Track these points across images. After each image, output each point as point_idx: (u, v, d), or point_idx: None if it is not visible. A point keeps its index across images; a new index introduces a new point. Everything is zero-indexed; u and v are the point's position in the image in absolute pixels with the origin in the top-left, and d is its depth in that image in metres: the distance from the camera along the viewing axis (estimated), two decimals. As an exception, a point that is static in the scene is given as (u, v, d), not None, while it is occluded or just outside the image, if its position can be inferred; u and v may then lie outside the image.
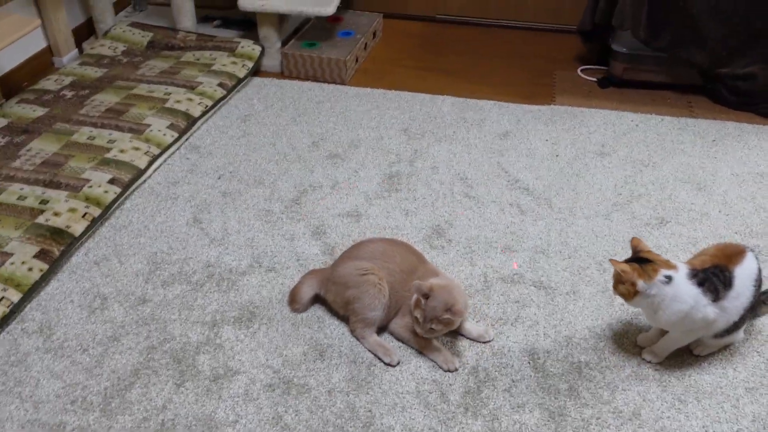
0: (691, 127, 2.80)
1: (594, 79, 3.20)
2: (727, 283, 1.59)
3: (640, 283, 1.57)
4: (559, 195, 2.39)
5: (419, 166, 2.55)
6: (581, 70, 3.28)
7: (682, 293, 1.57)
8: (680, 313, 1.58)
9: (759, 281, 1.66)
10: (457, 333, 1.84)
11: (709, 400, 1.66)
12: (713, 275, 1.59)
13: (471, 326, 1.84)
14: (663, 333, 1.74)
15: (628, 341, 1.82)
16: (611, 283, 1.67)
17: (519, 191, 2.41)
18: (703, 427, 1.59)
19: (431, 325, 1.70)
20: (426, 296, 1.70)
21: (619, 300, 1.89)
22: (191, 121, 2.73)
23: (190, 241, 2.19)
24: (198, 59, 3.13)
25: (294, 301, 1.94)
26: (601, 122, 2.83)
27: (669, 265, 1.59)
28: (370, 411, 1.65)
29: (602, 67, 3.23)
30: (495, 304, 1.94)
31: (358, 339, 1.83)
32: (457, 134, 2.76)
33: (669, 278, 1.56)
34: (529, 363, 1.76)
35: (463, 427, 1.60)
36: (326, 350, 1.81)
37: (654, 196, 2.38)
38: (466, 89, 3.12)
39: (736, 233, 2.20)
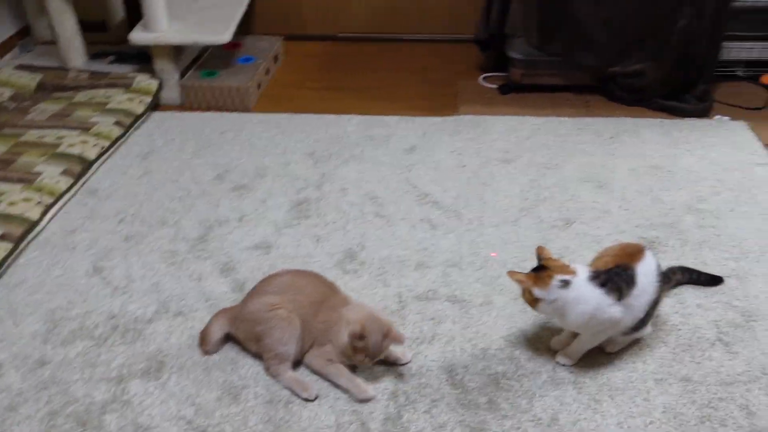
0: (590, 126, 2.89)
1: (495, 86, 3.25)
2: (631, 281, 1.63)
3: (537, 291, 1.59)
4: (467, 206, 2.41)
5: (328, 190, 2.52)
6: (482, 79, 3.34)
7: (585, 295, 1.59)
8: (585, 315, 1.60)
9: (660, 277, 1.70)
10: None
11: (621, 396, 1.69)
12: (616, 275, 1.63)
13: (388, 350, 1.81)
14: (575, 335, 1.77)
15: (543, 346, 1.84)
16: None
17: (428, 206, 2.42)
18: (618, 423, 1.62)
19: (378, 358, 1.69)
20: (362, 337, 1.66)
21: (530, 306, 1.92)
22: (87, 164, 2.62)
23: (91, 293, 2.08)
24: (92, 99, 3.01)
25: (204, 343, 1.87)
26: (504, 129, 2.88)
27: (566, 270, 1.61)
28: (289, 451, 1.60)
29: (502, 74, 3.30)
30: (411, 324, 1.93)
31: (273, 377, 1.78)
32: (364, 153, 2.75)
33: (565, 282, 1.58)
34: (447, 380, 1.75)
35: (385, 456, 1.58)
36: (241, 393, 1.75)
37: (558, 198, 2.44)
38: (371, 106, 3.12)
39: (636, 227, 2.27)
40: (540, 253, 1.68)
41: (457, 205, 2.42)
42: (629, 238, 2.22)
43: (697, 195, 2.42)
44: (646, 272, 1.65)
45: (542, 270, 1.62)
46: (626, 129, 2.86)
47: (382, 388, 1.74)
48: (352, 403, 1.70)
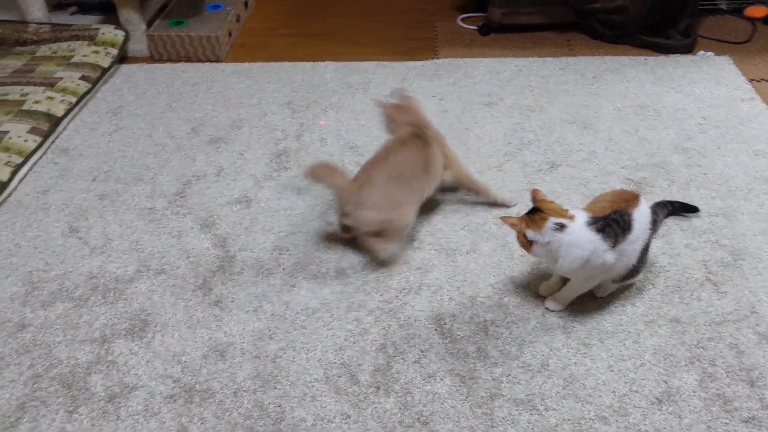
0: (572, 65, 2.82)
1: (474, 27, 3.16)
2: (627, 227, 1.60)
3: (530, 233, 1.57)
4: (451, 152, 2.36)
5: (307, 140, 2.46)
6: (461, 19, 3.24)
7: (581, 240, 1.56)
8: (580, 260, 1.58)
9: (652, 224, 1.68)
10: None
11: (611, 339, 1.68)
12: (614, 221, 1.59)
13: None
14: (564, 281, 1.75)
15: (531, 293, 1.82)
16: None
17: (411, 153, 2.36)
18: (609, 367, 1.62)
19: None
20: None
21: (520, 252, 1.90)
22: (55, 121, 2.51)
23: (68, 254, 2.02)
24: (55, 52, 2.88)
25: (320, 173, 1.89)
26: (486, 71, 2.81)
27: (562, 213, 1.58)
28: (279, 406, 1.58)
29: (482, 14, 3.20)
30: (397, 274, 1.90)
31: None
32: (343, 101, 2.67)
33: (560, 225, 1.55)
34: (436, 330, 1.74)
35: (375, 407, 1.56)
36: (227, 349, 1.72)
37: (543, 140, 2.39)
38: (348, 52, 3.02)
39: (623, 168, 2.24)
40: (534, 195, 1.65)
41: (440, 151, 2.36)
42: (617, 179, 2.19)
43: (683, 133, 2.39)
44: (641, 219, 1.63)
45: (537, 213, 1.59)
46: (610, 68, 2.80)
47: (370, 340, 1.72)
48: (341, 355, 1.68)
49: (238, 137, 2.49)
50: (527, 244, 1.60)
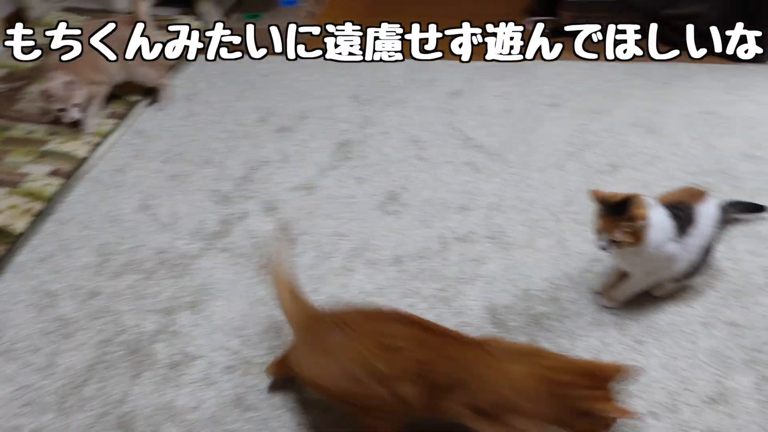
0: (641, 70, 2.79)
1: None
2: (691, 220, 1.58)
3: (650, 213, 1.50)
4: (512, 150, 2.37)
5: (370, 133, 2.51)
6: (528, 22, 3.24)
7: (663, 222, 1.52)
8: (661, 242, 1.54)
9: (718, 224, 1.65)
10: None
11: (666, 338, 1.67)
12: (679, 211, 1.57)
13: None
14: (621, 278, 1.74)
15: (587, 290, 1.82)
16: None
17: (472, 150, 2.39)
18: (662, 365, 1.61)
19: None
20: None
21: (576, 249, 1.90)
22: (132, 103, 2.64)
23: (139, 229, 2.13)
24: (136, 41, 3.02)
25: None
26: (551, 73, 2.81)
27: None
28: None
29: (550, 17, 3.19)
30: (453, 265, 1.93)
31: None
32: (408, 97, 2.71)
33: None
34: (489, 320, 1.75)
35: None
36: (284, 327, 1.77)
37: (606, 143, 2.38)
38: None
39: (688, 173, 2.21)
40: (602, 196, 1.55)
41: (501, 149, 2.38)
42: (681, 184, 2.13)
43: (752, 141, 2.34)
44: (707, 214, 1.61)
45: (627, 204, 1.50)
46: (679, 74, 2.76)
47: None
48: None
49: (304, 127, 2.56)
50: (640, 235, 1.50)
